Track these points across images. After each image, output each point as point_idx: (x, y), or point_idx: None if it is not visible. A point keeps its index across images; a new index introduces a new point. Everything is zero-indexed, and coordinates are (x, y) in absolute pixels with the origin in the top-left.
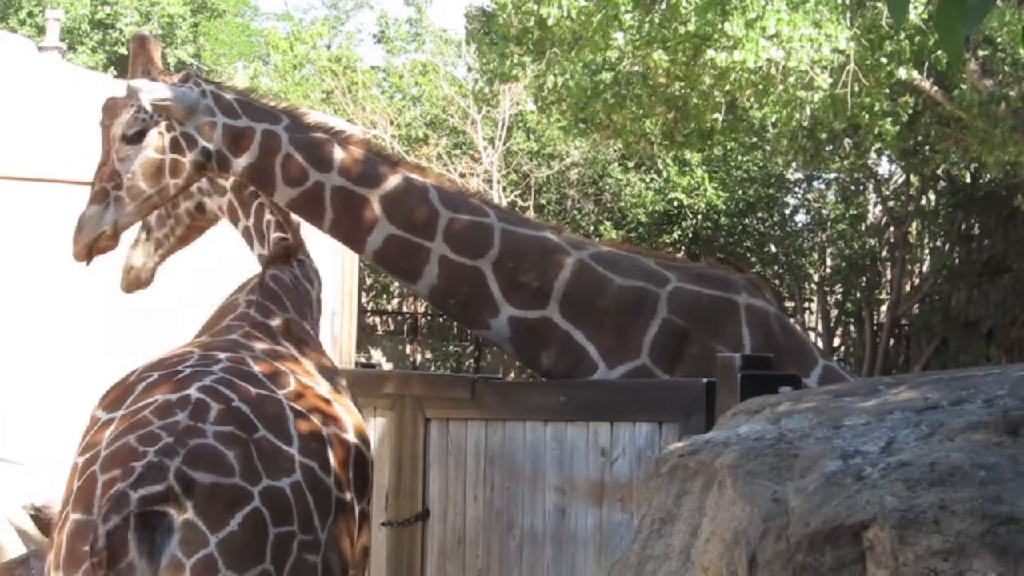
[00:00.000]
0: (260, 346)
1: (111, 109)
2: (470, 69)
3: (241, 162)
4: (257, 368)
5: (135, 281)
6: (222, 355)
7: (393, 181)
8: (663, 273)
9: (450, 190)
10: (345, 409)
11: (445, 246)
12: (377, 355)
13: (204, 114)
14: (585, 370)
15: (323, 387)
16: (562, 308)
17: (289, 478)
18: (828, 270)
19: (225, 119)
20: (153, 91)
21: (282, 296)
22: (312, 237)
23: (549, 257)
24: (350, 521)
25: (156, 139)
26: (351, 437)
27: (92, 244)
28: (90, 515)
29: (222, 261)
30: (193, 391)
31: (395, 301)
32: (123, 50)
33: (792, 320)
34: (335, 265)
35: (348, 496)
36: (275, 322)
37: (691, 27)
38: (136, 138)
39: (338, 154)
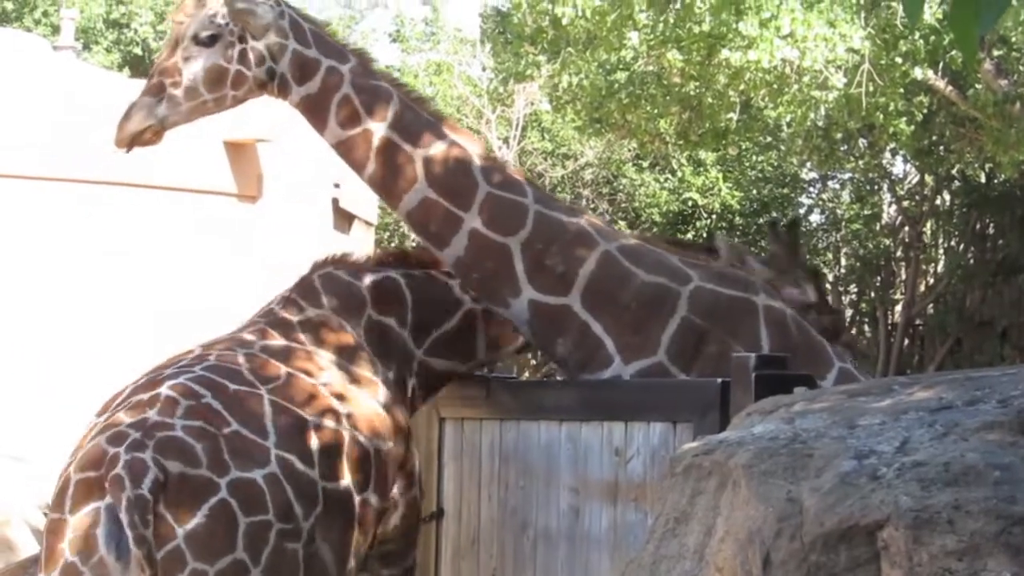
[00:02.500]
0: (266, 342)
1: (187, 8)
2: (485, 68)
3: (301, 91)
4: (246, 364)
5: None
6: (214, 354)
7: (441, 145)
8: (685, 271)
9: (494, 164)
10: (354, 404)
11: (478, 219)
12: None
13: (278, 35)
14: (600, 363)
15: (331, 381)
16: (583, 297)
17: (263, 469)
18: (842, 270)
19: (296, 45)
20: None
21: (321, 294)
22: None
23: (578, 244)
24: (345, 512)
25: (226, 48)
26: (343, 427)
27: (136, 135)
28: (62, 513)
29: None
30: (164, 389)
31: None
32: (138, 50)
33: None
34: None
35: (342, 485)
36: (298, 317)
37: (705, 27)
38: (208, 41)
39: (394, 106)
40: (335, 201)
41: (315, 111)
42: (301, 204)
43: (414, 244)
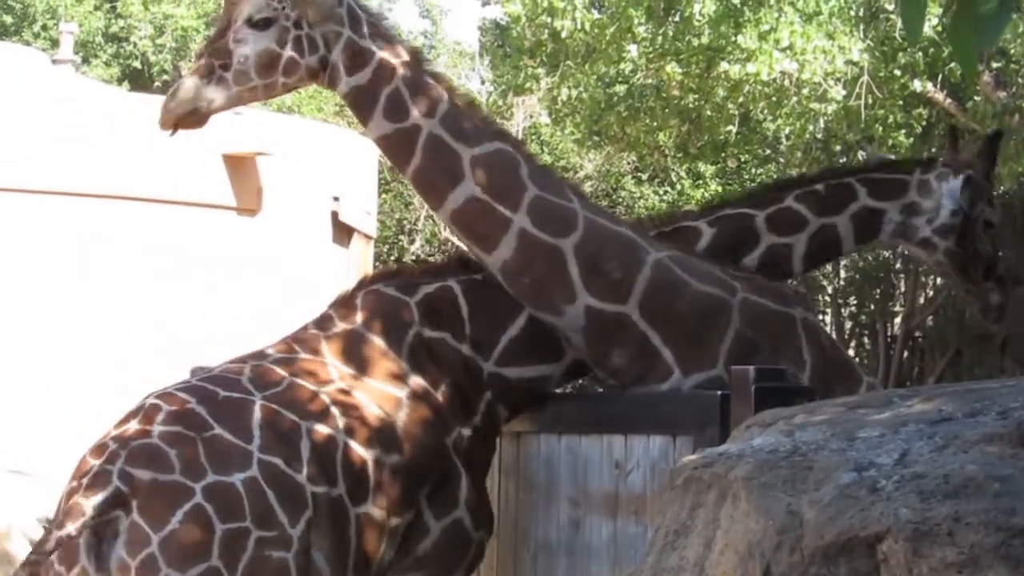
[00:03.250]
0: (279, 354)
1: None
2: (484, 82)
3: (350, 82)
4: (248, 373)
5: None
6: (221, 366)
7: (490, 145)
8: (731, 282)
9: (542, 169)
10: (359, 415)
11: (527, 219)
12: None
13: (335, 23)
14: (659, 375)
15: (336, 390)
16: (642, 307)
17: (242, 473)
18: (842, 282)
19: (351, 33)
20: None
21: (357, 311)
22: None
23: (631, 251)
24: (339, 519)
25: (281, 32)
26: (340, 433)
27: (182, 117)
28: (55, 525)
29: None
30: (150, 399)
31: None
32: (137, 63)
33: None
34: (351, 273)
35: (334, 492)
36: (326, 332)
37: (704, 39)
38: (262, 25)
39: (443, 104)
40: (334, 214)
41: (363, 103)
42: (300, 217)
43: (414, 258)
